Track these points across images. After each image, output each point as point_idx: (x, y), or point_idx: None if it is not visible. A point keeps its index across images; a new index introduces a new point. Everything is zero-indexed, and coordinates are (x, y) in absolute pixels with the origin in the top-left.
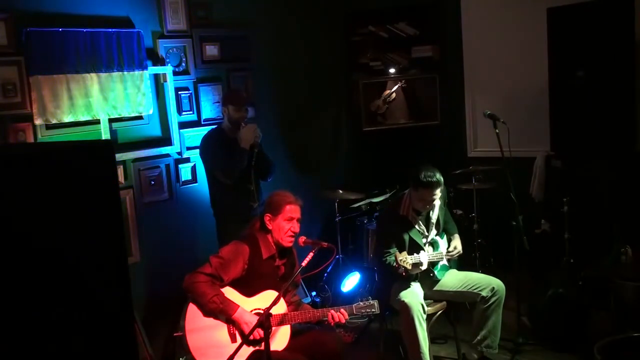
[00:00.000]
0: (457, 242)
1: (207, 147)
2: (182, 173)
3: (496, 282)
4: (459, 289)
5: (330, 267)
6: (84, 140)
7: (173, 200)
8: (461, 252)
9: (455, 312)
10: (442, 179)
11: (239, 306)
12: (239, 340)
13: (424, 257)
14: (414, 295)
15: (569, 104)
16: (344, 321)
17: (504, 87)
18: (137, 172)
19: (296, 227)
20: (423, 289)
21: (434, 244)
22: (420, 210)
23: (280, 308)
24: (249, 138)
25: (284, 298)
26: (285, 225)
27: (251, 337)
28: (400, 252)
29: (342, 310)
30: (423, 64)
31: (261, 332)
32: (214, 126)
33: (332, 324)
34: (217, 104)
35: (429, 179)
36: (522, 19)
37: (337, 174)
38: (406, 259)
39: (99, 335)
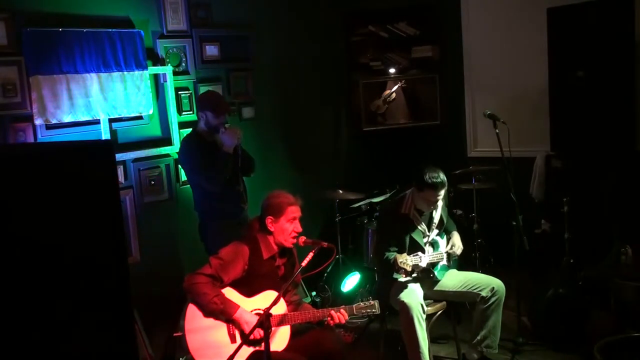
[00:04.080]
0: (456, 239)
1: (188, 155)
2: (182, 173)
3: (496, 282)
4: (459, 289)
5: (330, 267)
6: (84, 140)
7: (173, 200)
8: (462, 247)
9: (455, 312)
10: (446, 179)
11: (239, 306)
12: (238, 340)
13: (424, 258)
14: (413, 295)
15: (569, 104)
16: (344, 321)
17: (504, 87)
18: (137, 172)
19: (298, 226)
20: (423, 289)
21: (434, 244)
22: (423, 210)
23: (280, 308)
24: (232, 142)
25: (284, 298)
26: (289, 226)
27: (251, 337)
28: (401, 251)
29: (342, 310)
30: (423, 64)
31: (261, 332)
32: (188, 130)
33: (332, 324)
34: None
35: (434, 180)
36: (522, 19)
37: (337, 174)
38: (406, 261)
39: (99, 335)
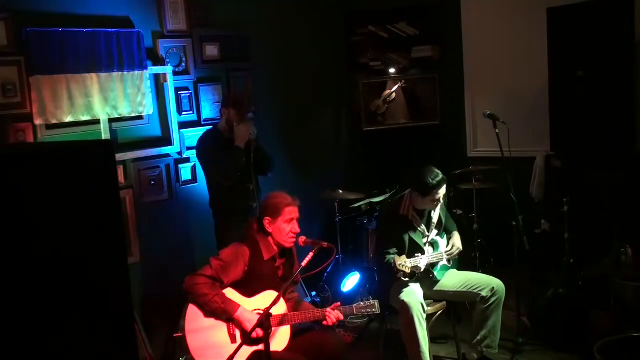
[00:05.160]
0: (456, 240)
1: (205, 150)
2: (182, 173)
3: (496, 282)
4: (459, 289)
5: (330, 267)
6: (84, 140)
7: (173, 200)
8: (461, 248)
9: (455, 312)
10: (444, 175)
11: (239, 305)
12: (238, 340)
13: (423, 260)
14: (413, 295)
15: (569, 104)
16: (335, 322)
17: (504, 87)
18: (137, 172)
19: (296, 227)
20: (423, 289)
21: (434, 244)
22: (425, 209)
23: (280, 308)
24: (244, 136)
25: (283, 298)
26: (286, 227)
27: (253, 335)
28: (400, 252)
29: (337, 311)
30: (423, 64)
31: (262, 332)
32: (209, 127)
33: (330, 324)
34: (217, 104)
35: (438, 180)
36: (522, 19)
37: (337, 174)
38: (405, 263)
39: (99, 335)
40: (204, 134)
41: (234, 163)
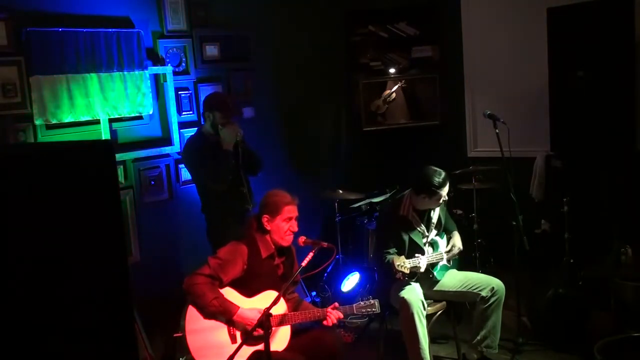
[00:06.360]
0: (456, 239)
1: (192, 157)
2: (182, 173)
3: (496, 282)
4: (459, 289)
5: (330, 267)
6: (84, 140)
7: (173, 200)
8: (461, 248)
9: (455, 312)
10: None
11: (239, 307)
12: (239, 340)
13: (423, 260)
14: (413, 292)
15: (569, 104)
16: (335, 321)
17: (504, 87)
18: (137, 172)
19: (295, 226)
20: (423, 289)
21: (433, 245)
22: (435, 207)
23: (280, 308)
24: (231, 138)
25: (283, 298)
26: (285, 225)
27: (255, 333)
28: (400, 252)
29: (336, 310)
30: (423, 64)
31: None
32: (193, 131)
33: (330, 325)
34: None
35: (442, 180)
36: (522, 19)
37: (337, 174)
38: (404, 264)
39: (99, 335)
40: (189, 140)
41: (223, 167)
